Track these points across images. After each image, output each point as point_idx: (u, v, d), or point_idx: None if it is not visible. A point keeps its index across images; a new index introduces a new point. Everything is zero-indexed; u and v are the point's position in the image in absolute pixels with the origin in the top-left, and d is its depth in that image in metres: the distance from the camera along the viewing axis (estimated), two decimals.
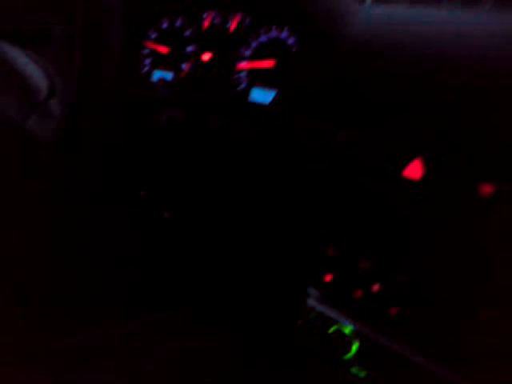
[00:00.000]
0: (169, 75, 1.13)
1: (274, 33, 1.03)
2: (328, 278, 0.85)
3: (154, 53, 1.16)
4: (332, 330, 0.86)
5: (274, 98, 0.99)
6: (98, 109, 0.78)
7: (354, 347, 0.83)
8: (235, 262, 0.90)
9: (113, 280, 0.91)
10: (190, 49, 1.12)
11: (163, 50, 1.14)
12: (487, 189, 0.70)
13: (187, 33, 1.12)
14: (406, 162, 0.78)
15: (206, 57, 1.09)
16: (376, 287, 0.80)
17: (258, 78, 1.04)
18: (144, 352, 0.78)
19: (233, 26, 1.07)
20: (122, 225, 0.96)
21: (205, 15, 1.10)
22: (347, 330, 0.85)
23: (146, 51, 1.17)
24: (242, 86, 1.05)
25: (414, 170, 0.77)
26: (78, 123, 0.76)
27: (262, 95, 1.03)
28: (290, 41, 1.01)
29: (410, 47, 0.90)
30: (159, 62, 1.15)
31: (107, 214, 0.93)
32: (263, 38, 1.05)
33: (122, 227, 0.96)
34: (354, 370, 0.83)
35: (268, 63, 1.03)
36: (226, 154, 0.94)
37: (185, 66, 1.12)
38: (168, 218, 0.94)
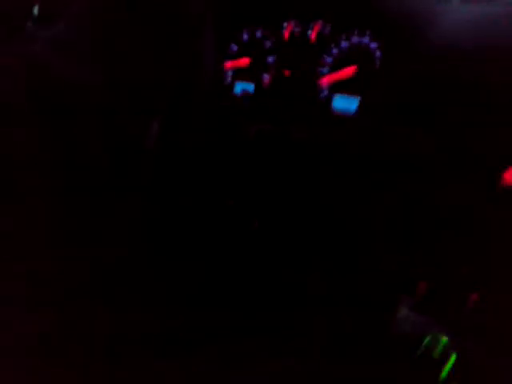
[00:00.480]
0: (251, 87, 1.15)
1: (355, 38, 1.03)
2: (422, 286, 0.83)
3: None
4: (427, 340, 0.84)
5: (359, 107, 0.98)
6: (191, 121, 0.80)
7: (451, 359, 0.81)
8: (328, 271, 0.90)
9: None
10: (270, 59, 1.13)
11: (244, 61, 1.16)
12: None
13: (268, 44, 1.14)
14: (503, 168, 0.75)
15: (287, 66, 1.10)
16: (475, 296, 0.78)
17: (341, 85, 1.04)
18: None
19: (313, 34, 1.07)
20: (210, 235, 0.99)
21: (285, 25, 1.11)
22: (443, 340, 0.83)
23: (228, 64, 1.19)
24: (324, 94, 1.06)
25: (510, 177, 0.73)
26: (172, 135, 0.78)
27: (344, 103, 1.03)
28: (373, 45, 1.00)
29: (502, 46, 0.87)
30: (241, 73, 1.18)
31: (196, 224, 0.97)
32: (344, 45, 1.04)
33: (210, 238, 0.99)
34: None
35: (350, 70, 1.02)
36: (311, 165, 0.95)
37: (266, 77, 1.13)
38: (257, 228, 0.96)
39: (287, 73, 1.10)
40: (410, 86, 0.89)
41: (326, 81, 1.05)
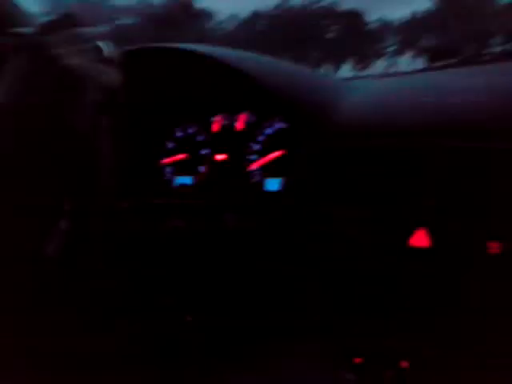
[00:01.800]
0: (189, 179, 1.19)
1: (278, 125, 1.09)
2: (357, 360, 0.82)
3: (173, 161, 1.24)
4: None
5: (284, 186, 1.02)
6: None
7: None
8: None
9: None
10: (204, 152, 1.18)
11: (180, 157, 1.21)
12: (494, 247, 0.69)
13: (200, 137, 1.19)
14: (412, 231, 0.78)
15: (220, 157, 1.15)
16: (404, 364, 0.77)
17: (271, 168, 1.08)
18: None
19: (239, 125, 1.13)
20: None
21: (213, 119, 1.18)
22: None
23: (166, 160, 1.24)
24: (256, 178, 1.10)
25: (421, 239, 0.76)
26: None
27: (275, 184, 1.06)
28: (293, 130, 1.06)
29: (394, 117, 0.93)
30: (179, 168, 1.22)
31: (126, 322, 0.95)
32: (269, 131, 1.10)
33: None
34: None
35: (277, 154, 1.07)
36: (242, 250, 0.97)
37: (202, 169, 1.18)
38: (190, 322, 0.96)
39: (219, 157, 1.15)
40: (321, 163, 0.93)
41: (255, 166, 1.10)
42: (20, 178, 0.64)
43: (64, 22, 0.73)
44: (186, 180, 1.20)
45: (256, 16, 16.29)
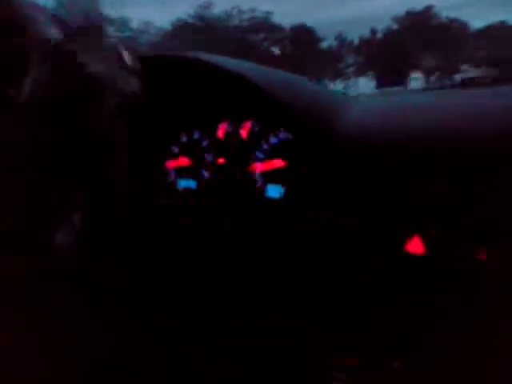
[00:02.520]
0: (193, 183, 1.23)
1: (282, 135, 1.13)
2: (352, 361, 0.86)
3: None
4: None
5: (285, 194, 1.07)
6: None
7: None
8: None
9: None
10: (208, 157, 1.22)
11: (184, 161, 1.25)
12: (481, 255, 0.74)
13: (204, 143, 1.23)
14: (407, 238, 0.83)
15: (223, 162, 1.19)
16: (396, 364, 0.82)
17: (273, 176, 1.12)
18: None
19: (244, 133, 1.18)
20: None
21: (218, 126, 1.22)
22: None
23: (171, 164, 1.28)
24: (258, 185, 1.14)
25: (416, 246, 0.81)
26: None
27: (277, 192, 1.11)
28: (296, 141, 1.10)
29: (393, 130, 0.98)
30: (183, 171, 1.26)
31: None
32: (274, 141, 1.14)
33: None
34: None
35: (279, 163, 1.11)
36: (244, 254, 1.01)
37: (206, 174, 1.22)
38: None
39: (221, 160, 1.19)
40: (325, 175, 0.97)
41: (257, 172, 1.14)
42: (37, 172, 0.68)
43: (89, 30, 0.77)
44: (190, 183, 1.24)
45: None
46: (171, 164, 1.28)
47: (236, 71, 1.08)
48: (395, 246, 0.83)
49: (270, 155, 1.14)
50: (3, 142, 0.66)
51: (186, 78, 1.18)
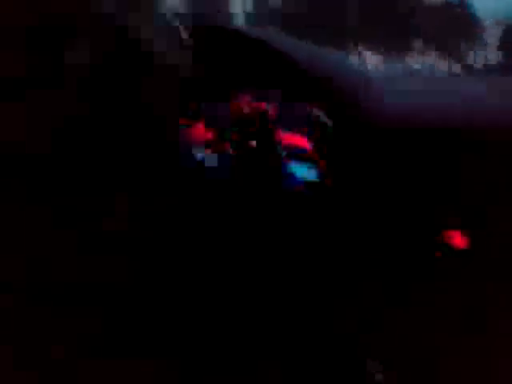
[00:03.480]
0: (215, 158, 1.23)
1: (309, 111, 1.11)
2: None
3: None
4: None
5: (314, 175, 1.06)
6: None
7: None
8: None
9: None
10: (233, 132, 1.21)
11: (208, 136, 1.24)
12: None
13: (226, 115, 1.22)
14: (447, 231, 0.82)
15: (249, 139, 1.18)
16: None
17: (297, 155, 1.12)
18: None
19: (271, 108, 1.16)
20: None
21: (245, 102, 1.20)
22: None
23: (194, 139, 1.27)
24: (283, 163, 1.13)
25: (459, 239, 0.80)
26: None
27: (303, 171, 1.10)
28: (324, 118, 1.09)
29: (426, 116, 0.96)
30: (206, 146, 1.25)
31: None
32: (300, 118, 1.13)
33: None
34: None
35: (305, 141, 1.10)
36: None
37: (229, 149, 1.21)
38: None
39: (248, 141, 1.18)
40: (358, 157, 0.97)
41: (283, 138, 1.13)
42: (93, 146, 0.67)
43: (141, 2, 0.74)
44: (212, 158, 1.23)
45: None
46: (195, 139, 1.27)
47: (278, 47, 1.06)
48: (435, 237, 0.83)
49: (296, 131, 1.13)
50: (58, 116, 0.66)
51: (229, 49, 1.16)
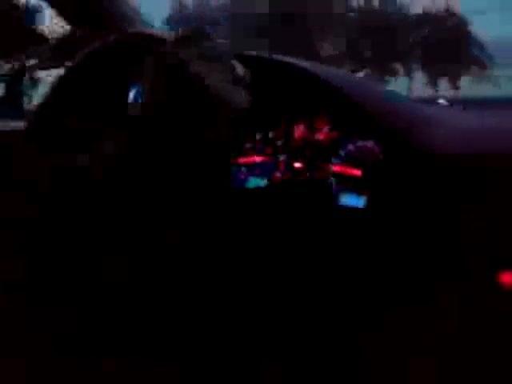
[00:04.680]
0: (263, 182, 1.24)
1: (360, 142, 1.12)
2: None
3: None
4: None
5: (366, 203, 1.06)
6: None
7: None
8: None
9: None
10: (282, 157, 1.22)
11: (258, 159, 1.26)
12: None
13: (279, 143, 1.23)
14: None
15: (299, 165, 1.19)
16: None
17: (347, 183, 1.12)
18: None
19: (322, 137, 1.17)
20: None
21: (295, 128, 1.21)
22: None
23: (243, 160, 1.29)
24: (333, 190, 1.14)
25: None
26: None
27: (352, 199, 1.10)
28: (376, 149, 1.09)
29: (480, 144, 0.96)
30: (254, 169, 1.27)
31: None
32: (351, 147, 1.13)
33: None
34: None
35: (356, 171, 1.11)
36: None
37: (278, 173, 1.22)
38: None
39: (298, 165, 1.19)
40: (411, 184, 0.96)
41: (336, 169, 1.14)
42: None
43: (197, 36, 0.77)
44: (260, 182, 1.25)
45: None
46: (243, 160, 1.28)
47: (327, 78, 1.07)
48: (488, 275, 0.82)
49: (347, 161, 1.14)
50: (119, 155, 0.69)
51: (279, 79, 1.18)
